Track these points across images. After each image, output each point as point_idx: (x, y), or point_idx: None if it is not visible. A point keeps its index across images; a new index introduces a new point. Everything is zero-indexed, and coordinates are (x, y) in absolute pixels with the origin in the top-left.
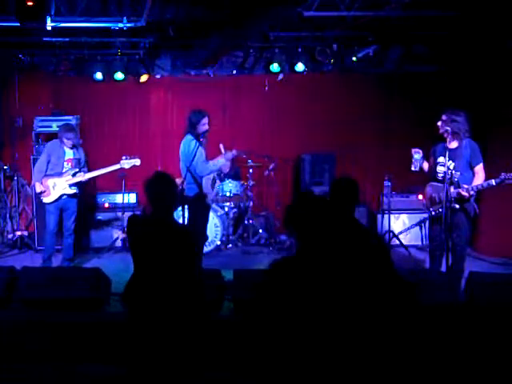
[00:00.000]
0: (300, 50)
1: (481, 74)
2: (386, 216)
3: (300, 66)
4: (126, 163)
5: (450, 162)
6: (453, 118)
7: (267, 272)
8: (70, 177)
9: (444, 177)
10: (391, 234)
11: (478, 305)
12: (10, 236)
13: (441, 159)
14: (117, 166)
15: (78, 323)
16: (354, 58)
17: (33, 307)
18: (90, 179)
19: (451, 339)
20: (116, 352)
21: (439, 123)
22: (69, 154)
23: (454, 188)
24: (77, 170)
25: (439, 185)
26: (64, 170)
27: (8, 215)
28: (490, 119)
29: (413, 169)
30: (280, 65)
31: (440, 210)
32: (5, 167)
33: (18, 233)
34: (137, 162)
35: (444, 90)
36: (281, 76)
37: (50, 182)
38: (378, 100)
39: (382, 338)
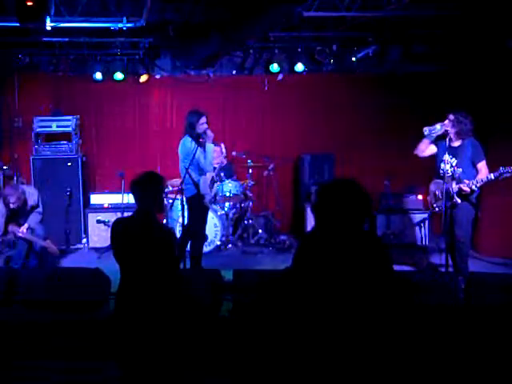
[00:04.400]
0: (300, 50)
1: (480, 74)
2: (385, 216)
3: (300, 66)
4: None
5: (453, 159)
6: (460, 120)
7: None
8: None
9: (447, 174)
10: (391, 234)
11: (477, 305)
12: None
13: (444, 157)
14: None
15: (77, 323)
16: (353, 58)
17: (32, 307)
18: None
19: (451, 340)
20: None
21: (446, 122)
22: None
23: (456, 183)
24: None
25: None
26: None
27: None
28: (489, 118)
29: (426, 133)
30: (280, 65)
31: (442, 206)
32: (4, 167)
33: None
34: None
35: (444, 90)
36: (280, 76)
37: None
38: (377, 100)
39: (381, 340)
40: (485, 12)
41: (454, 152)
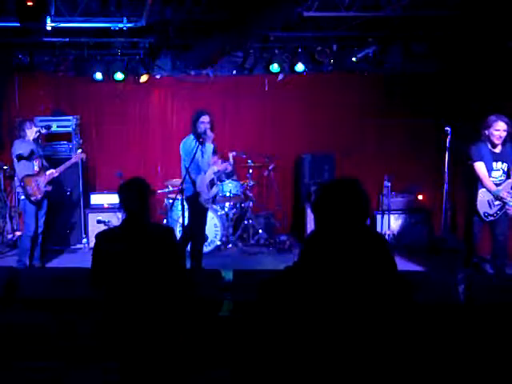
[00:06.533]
0: (300, 50)
1: (481, 74)
2: (385, 216)
3: (300, 66)
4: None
5: (504, 164)
6: (507, 123)
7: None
8: (45, 174)
9: (499, 180)
10: (391, 234)
11: (477, 306)
12: (9, 236)
13: (494, 165)
14: (78, 158)
15: (77, 323)
16: (353, 59)
17: (33, 307)
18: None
19: (450, 340)
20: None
21: (498, 133)
22: (35, 151)
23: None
24: (47, 166)
25: (498, 188)
26: (36, 168)
27: (8, 215)
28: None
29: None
30: (280, 65)
31: (499, 212)
32: (5, 167)
33: (18, 233)
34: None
35: (444, 91)
36: (281, 76)
37: (33, 180)
38: (377, 100)
39: (384, 340)
40: (485, 12)
41: (498, 158)
